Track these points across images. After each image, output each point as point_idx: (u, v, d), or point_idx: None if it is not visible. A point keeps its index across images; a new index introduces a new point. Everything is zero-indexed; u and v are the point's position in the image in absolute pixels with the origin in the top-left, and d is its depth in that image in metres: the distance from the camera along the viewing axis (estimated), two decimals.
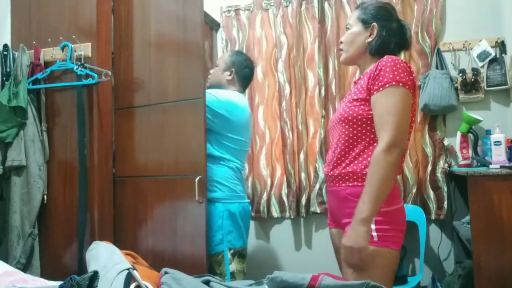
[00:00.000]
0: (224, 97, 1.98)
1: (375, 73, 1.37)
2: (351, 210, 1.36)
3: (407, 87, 1.34)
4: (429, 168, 2.46)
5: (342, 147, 1.43)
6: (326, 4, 2.70)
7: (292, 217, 2.69)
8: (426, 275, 2.43)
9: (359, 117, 1.40)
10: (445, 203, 2.43)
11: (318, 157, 2.64)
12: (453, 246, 2.45)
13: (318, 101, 2.67)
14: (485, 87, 2.38)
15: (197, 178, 1.81)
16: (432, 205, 2.45)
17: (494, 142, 2.19)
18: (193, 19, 1.94)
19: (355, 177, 1.39)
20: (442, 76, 2.40)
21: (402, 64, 1.36)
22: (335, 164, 1.46)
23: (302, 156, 2.67)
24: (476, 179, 1.82)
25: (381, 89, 1.35)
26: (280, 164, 2.75)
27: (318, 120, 2.68)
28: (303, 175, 2.66)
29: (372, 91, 1.37)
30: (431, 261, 2.49)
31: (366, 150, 1.39)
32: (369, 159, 1.36)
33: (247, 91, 2.79)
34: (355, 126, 1.41)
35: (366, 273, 1.30)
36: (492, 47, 2.40)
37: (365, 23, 1.50)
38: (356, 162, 1.40)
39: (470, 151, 2.36)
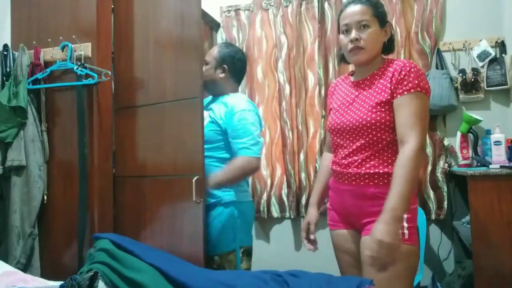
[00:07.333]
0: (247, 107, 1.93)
1: (399, 77, 1.38)
2: (377, 209, 1.33)
3: (428, 94, 1.39)
4: (429, 168, 2.46)
5: (370, 151, 1.42)
6: (326, 4, 2.70)
7: (292, 217, 2.69)
8: (426, 275, 2.43)
9: (387, 122, 1.39)
10: (445, 203, 2.43)
11: (318, 157, 2.63)
12: (453, 246, 2.45)
13: (318, 101, 2.67)
14: (485, 87, 2.38)
15: (195, 178, 1.79)
16: (432, 205, 2.45)
17: (494, 142, 2.19)
18: (191, 16, 1.92)
19: (383, 177, 1.40)
20: (442, 76, 2.40)
21: (421, 71, 1.41)
22: (359, 164, 1.43)
23: (302, 156, 2.67)
24: (476, 179, 1.83)
25: (405, 92, 1.36)
26: (280, 164, 2.75)
27: (318, 120, 2.68)
28: (303, 175, 2.66)
29: (395, 94, 1.38)
30: (431, 261, 2.49)
31: (394, 152, 1.40)
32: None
33: (246, 91, 2.80)
34: (382, 131, 1.40)
35: (397, 271, 1.31)
36: (492, 47, 2.40)
37: (382, 22, 1.46)
38: (386, 163, 1.40)
39: (470, 151, 2.36)
